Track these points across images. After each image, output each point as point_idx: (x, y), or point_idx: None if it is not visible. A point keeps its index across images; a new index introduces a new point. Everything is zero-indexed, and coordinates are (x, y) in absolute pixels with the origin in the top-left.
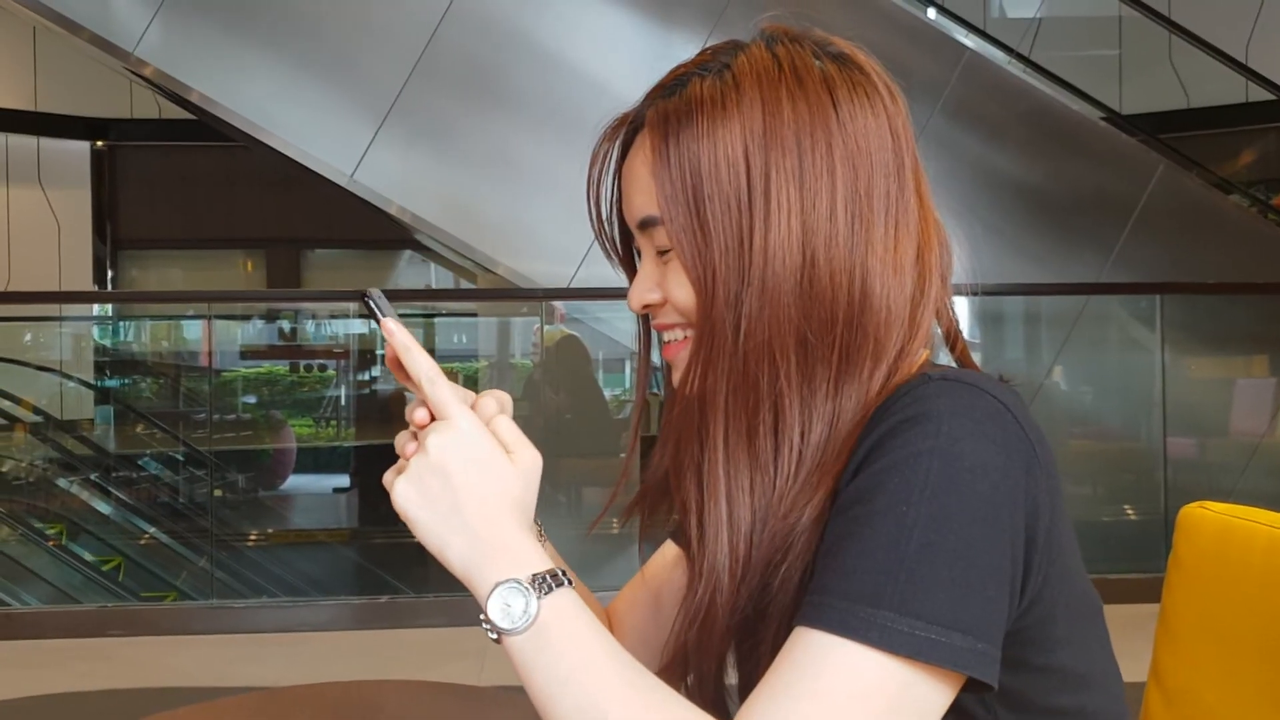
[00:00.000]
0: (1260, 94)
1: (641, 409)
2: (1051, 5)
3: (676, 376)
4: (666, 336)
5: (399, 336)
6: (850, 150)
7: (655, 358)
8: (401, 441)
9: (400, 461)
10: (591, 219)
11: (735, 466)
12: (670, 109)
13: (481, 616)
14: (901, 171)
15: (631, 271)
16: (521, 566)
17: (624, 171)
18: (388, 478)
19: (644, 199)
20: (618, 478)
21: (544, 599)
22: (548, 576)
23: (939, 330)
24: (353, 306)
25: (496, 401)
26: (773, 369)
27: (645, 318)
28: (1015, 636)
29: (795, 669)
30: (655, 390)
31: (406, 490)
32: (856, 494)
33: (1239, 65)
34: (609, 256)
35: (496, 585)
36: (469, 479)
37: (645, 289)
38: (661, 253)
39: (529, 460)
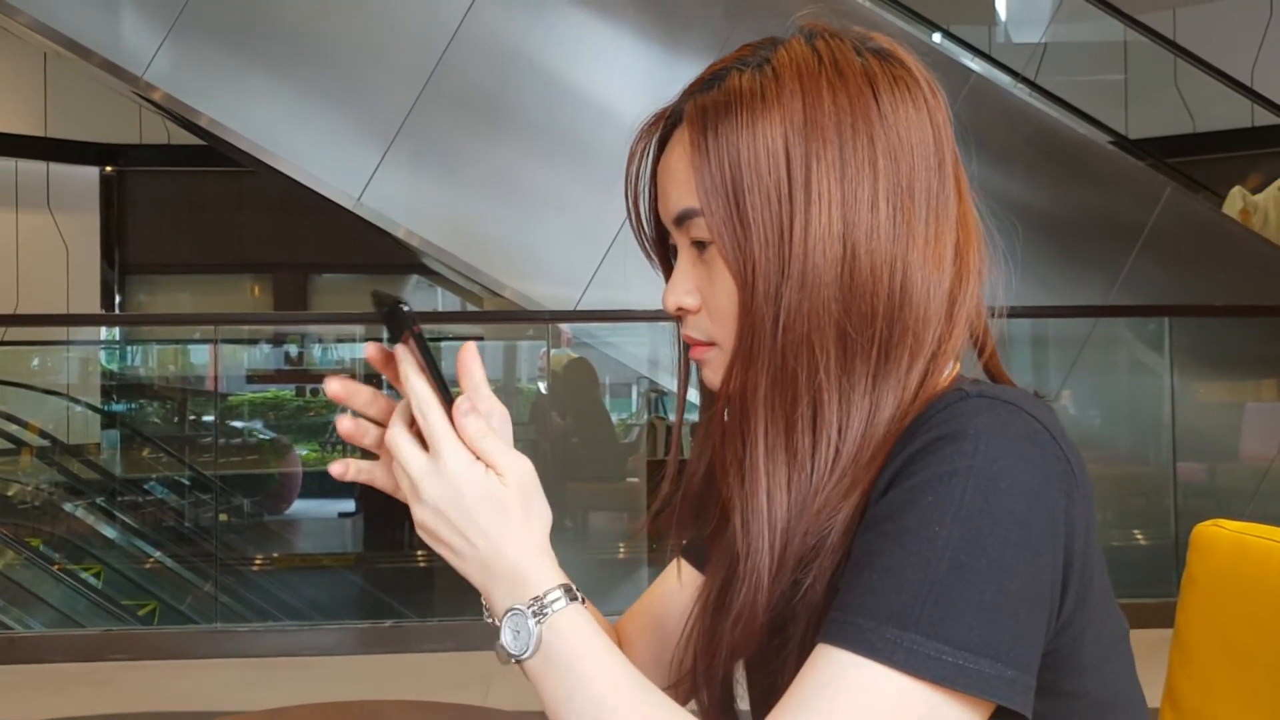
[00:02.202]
0: (1266, 118)
1: (682, 414)
2: (1057, 31)
3: (705, 374)
4: (691, 344)
5: (403, 366)
6: (892, 143)
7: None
8: (393, 440)
9: (404, 481)
10: (630, 218)
11: (774, 462)
12: (709, 102)
13: (498, 643)
14: (942, 166)
15: (669, 272)
16: (524, 591)
17: (659, 168)
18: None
19: (681, 192)
20: (664, 475)
21: (544, 624)
22: (546, 600)
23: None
24: (359, 330)
25: (482, 419)
26: (812, 362)
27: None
28: (1045, 660)
29: (815, 687)
30: (662, 414)
31: (423, 529)
32: (887, 510)
33: (1245, 89)
34: (647, 256)
35: (506, 613)
36: (467, 517)
37: (682, 291)
38: (699, 247)
39: (516, 476)
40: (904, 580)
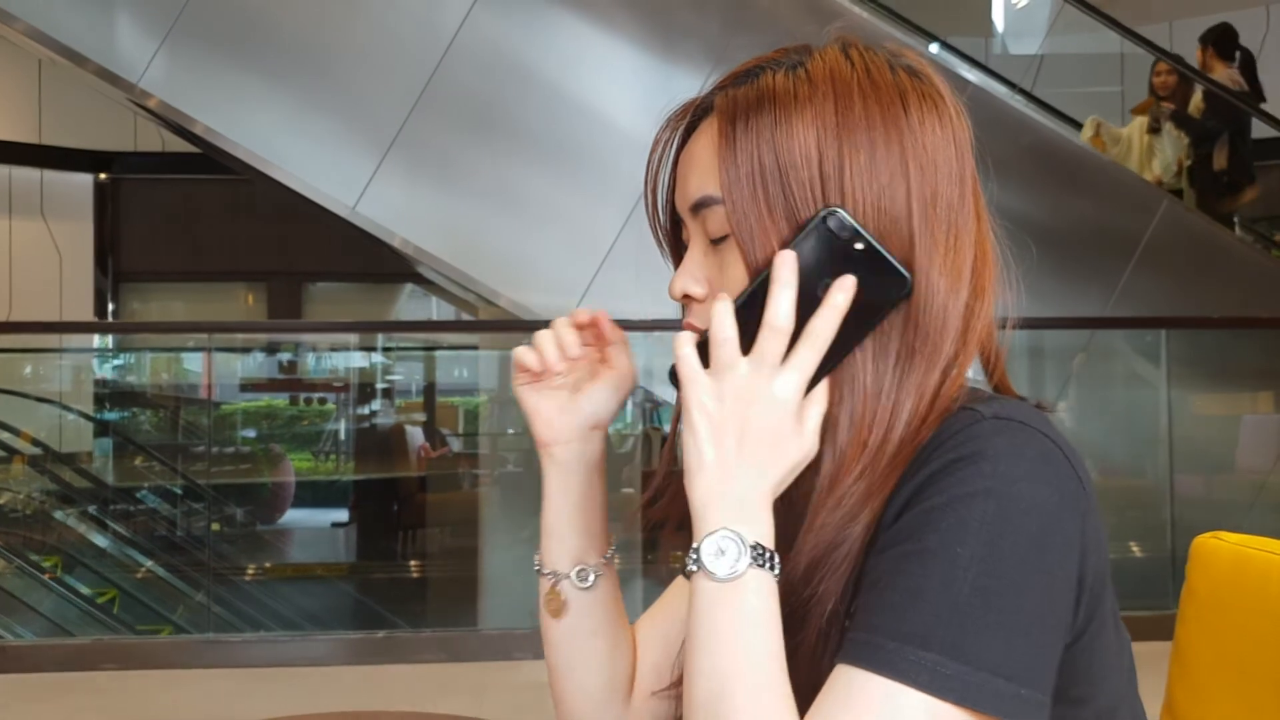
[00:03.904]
0: (1262, 131)
1: (679, 410)
2: (1053, 42)
3: None
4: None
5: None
6: (919, 154)
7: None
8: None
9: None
10: (646, 204)
11: None
12: (740, 96)
13: (694, 548)
14: (963, 184)
15: (679, 263)
16: (752, 529)
17: (682, 156)
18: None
19: (702, 179)
20: (656, 476)
21: (756, 569)
22: (768, 551)
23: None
24: (353, 339)
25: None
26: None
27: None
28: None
29: (837, 707)
30: (657, 424)
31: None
32: (907, 530)
33: (1242, 101)
34: (659, 245)
35: (720, 529)
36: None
37: (690, 278)
38: (714, 241)
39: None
40: (925, 601)
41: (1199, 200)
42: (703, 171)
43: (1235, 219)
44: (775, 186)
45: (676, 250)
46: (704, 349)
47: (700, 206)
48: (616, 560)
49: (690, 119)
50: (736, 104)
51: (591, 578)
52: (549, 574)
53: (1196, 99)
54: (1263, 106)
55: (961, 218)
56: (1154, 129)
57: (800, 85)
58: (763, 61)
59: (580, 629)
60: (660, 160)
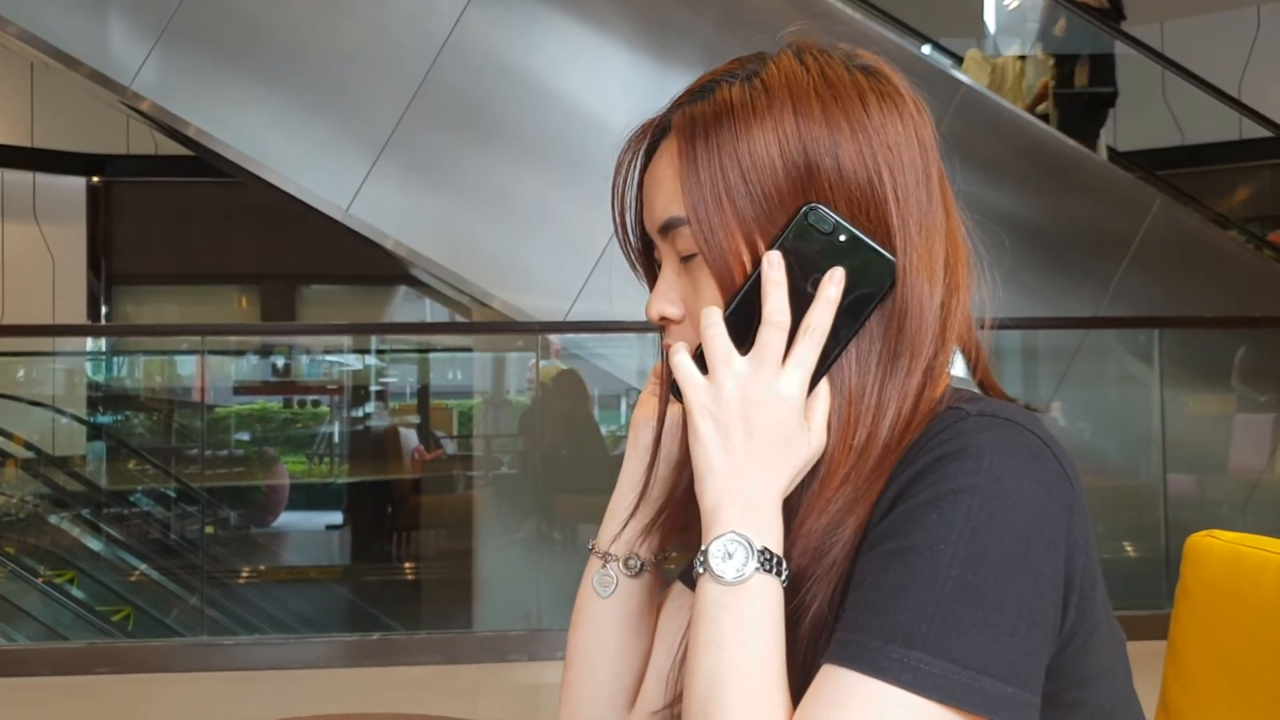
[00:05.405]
0: (1254, 131)
1: (663, 423)
2: (1046, 43)
3: None
4: None
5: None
6: (884, 152)
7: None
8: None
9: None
10: (616, 228)
11: None
12: (697, 112)
13: (702, 550)
14: (929, 181)
15: (654, 283)
16: (760, 534)
17: (646, 178)
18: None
19: (667, 201)
20: (639, 491)
21: (764, 574)
22: (776, 558)
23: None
24: (346, 341)
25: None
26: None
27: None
28: (1049, 671)
29: (822, 707)
30: None
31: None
32: (891, 529)
33: (1233, 102)
34: (632, 267)
35: (729, 533)
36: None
37: (665, 300)
38: (685, 259)
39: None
40: (910, 599)
41: (1061, 122)
42: (667, 193)
43: (1230, 219)
44: (743, 200)
45: (650, 270)
46: (701, 361)
47: (668, 228)
48: (670, 565)
49: (650, 139)
50: (695, 121)
51: (639, 565)
52: (601, 554)
53: (1061, 20)
54: (1257, 109)
55: (930, 214)
56: (1023, 55)
57: (757, 96)
58: (717, 75)
59: (612, 615)
60: (625, 183)
